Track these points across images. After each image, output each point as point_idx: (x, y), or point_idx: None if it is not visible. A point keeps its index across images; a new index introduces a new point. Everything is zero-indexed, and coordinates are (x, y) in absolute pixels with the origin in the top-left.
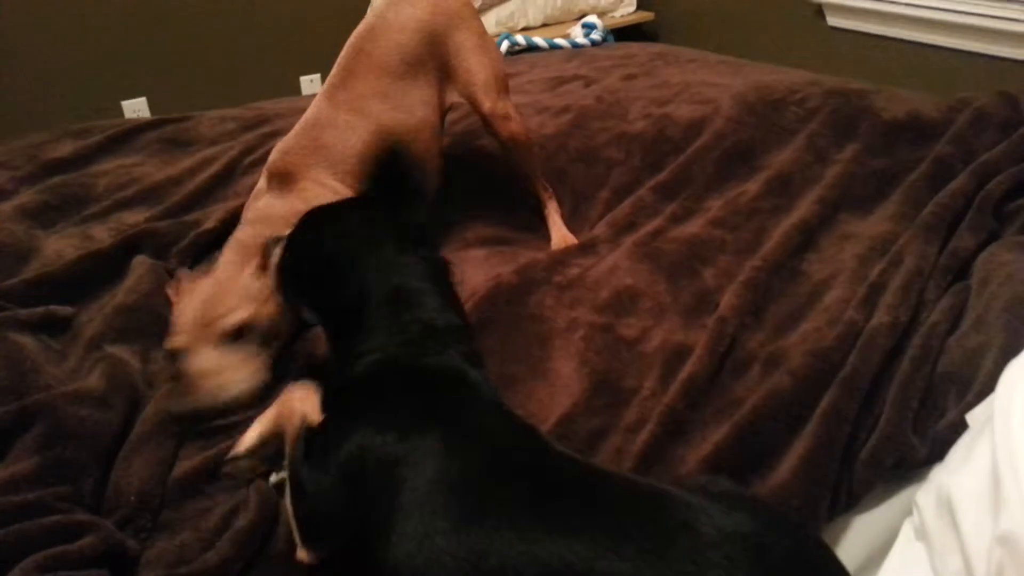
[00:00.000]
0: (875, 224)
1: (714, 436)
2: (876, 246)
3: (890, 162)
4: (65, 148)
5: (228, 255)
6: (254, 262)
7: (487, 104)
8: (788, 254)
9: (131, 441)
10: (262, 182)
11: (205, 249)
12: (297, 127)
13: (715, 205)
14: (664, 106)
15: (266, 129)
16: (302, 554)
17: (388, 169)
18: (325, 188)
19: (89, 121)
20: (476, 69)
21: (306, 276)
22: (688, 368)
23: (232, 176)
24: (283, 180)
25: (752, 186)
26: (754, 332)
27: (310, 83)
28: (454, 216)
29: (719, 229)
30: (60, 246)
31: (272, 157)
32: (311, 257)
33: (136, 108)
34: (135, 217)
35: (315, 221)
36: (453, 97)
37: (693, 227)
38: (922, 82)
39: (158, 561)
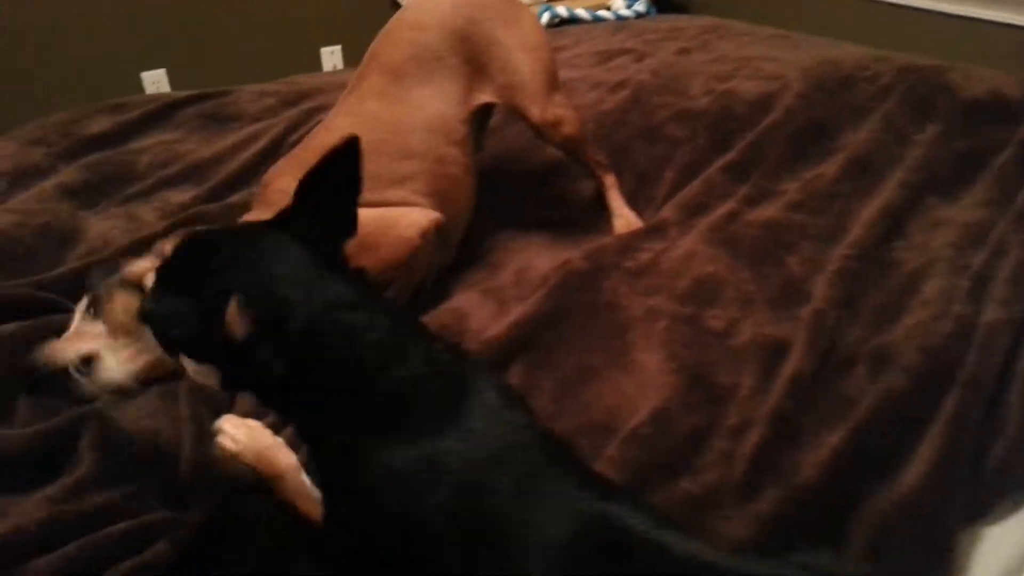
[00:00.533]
0: (966, 210)
1: (829, 440)
2: (971, 234)
3: (973, 143)
4: (101, 124)
5: None
6: None
7: (535, 111)
8: (876, 241)
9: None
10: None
11: None
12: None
13: (791, 188)
14: (726, 81)
15: (309, 105)
16: None
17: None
18: (284, 197)
19: (110, 94)
20: (518, 68)
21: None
22: (791, 365)
23: (277, 153)
24: (262, 191)
25: (829, 168)
26: (850, 326)
27: (330, 55)
28: (508, 196)
29: (799, 213)
30: (105, 228)
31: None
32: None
33: (155, 80)
34: (180, 196)
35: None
36: (485, 97)
37: (770, 211)
38: (980, 59)
39: None
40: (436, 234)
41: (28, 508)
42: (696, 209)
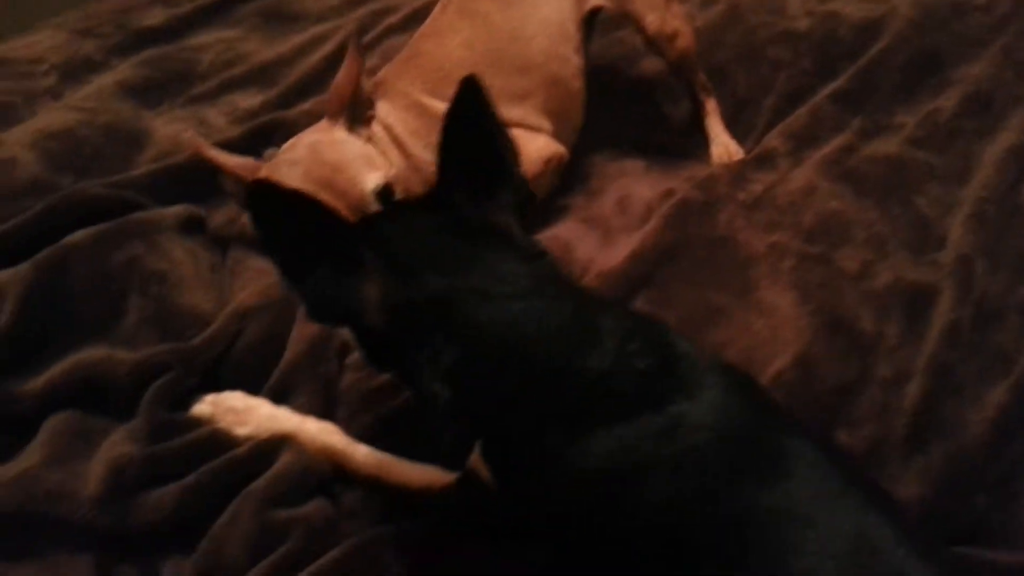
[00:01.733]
0: None
1: (992, 396)
2: None
3: None
4: (156, 16)
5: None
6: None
7: (652, 20)
8: (1008, 185)
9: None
10: None
11: None
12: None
13: (909, 122)
14: (826, 2)
15: (376, 6)
16: None
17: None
18: (408, 100)
19: None
20: None
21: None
22: (943, 314)
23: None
24: (373, 92)
25: (946, 102)
26: (994, 274)
27: None
28: (601, 116)
29: (921, 151)
30: (172, 131)
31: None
32: None
33: None
34: (248, 101)
35: None
36: (598, 1)
37: (890, 146)
38: None
39: None
40: (557, 166)
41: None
42: (806, 140)
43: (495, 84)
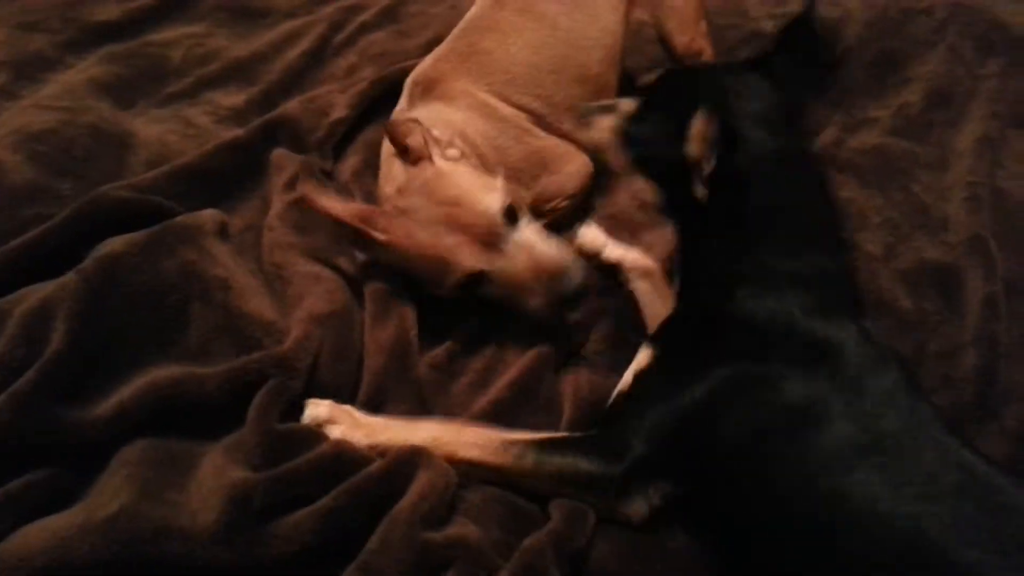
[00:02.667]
0: None
1: None
2: None
3: None
4: (109, 10)
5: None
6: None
7: (683, 39)
8: (985, 171)
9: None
10: (403, 99)
11: (342, 139)
12: (454, 31)
13: (884, 115)
14: (783, 4)
15: (344, 3)
16: None
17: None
18: (473, 100)
19: None
20: None
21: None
22: (977, 289)
23: (323, 55)
24: (427, 89)
25: (912, 97)
26: (1001, 251)
27: None
28: None
29: (904, 141)
30: (157, 132)
31: (419, 66)
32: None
33: None
34: (230, 99)
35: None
36: (640, 12)
37: (873, 137)
38: None
39: None
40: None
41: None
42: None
43: (556, 95)
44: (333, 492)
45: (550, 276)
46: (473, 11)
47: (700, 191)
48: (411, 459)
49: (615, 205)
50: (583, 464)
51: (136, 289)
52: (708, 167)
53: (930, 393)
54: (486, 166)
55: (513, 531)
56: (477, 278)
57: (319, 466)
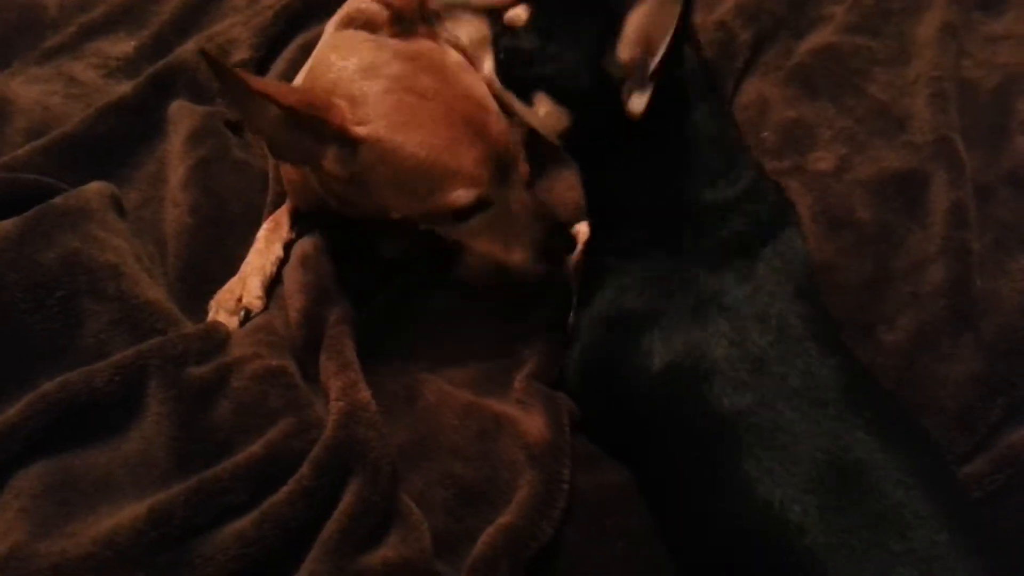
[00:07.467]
0: (1016, 23)
1: (1015, 265)
2: None
3: None
4: None
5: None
6: None
7: None
8: (950, 62)
9: None
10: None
11: None
12: None
13: (838, 11)
14: None
15: None
16: None
17: None
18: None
19: None
20: None
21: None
22: (943, 195)
23: None
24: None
25: None
26: (969, 151)
27: None
28: None
29: (858, 36)
30: (37, 94)
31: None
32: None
33: None
34: (120, 47)
35: None
36: None
37: (825, 36)
38: None
39: None
40: None
41: None
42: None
43: None
44: (260, 508)
45: (546, 225)
46: None
47: (637, 104)
48: (344, 467)
49: None
50: None
51: (12, 290)
52: (653, 64)
53: (898, 315)
54: None
55: (461, 517)
56: (483, 204)
57: (244, 472)
